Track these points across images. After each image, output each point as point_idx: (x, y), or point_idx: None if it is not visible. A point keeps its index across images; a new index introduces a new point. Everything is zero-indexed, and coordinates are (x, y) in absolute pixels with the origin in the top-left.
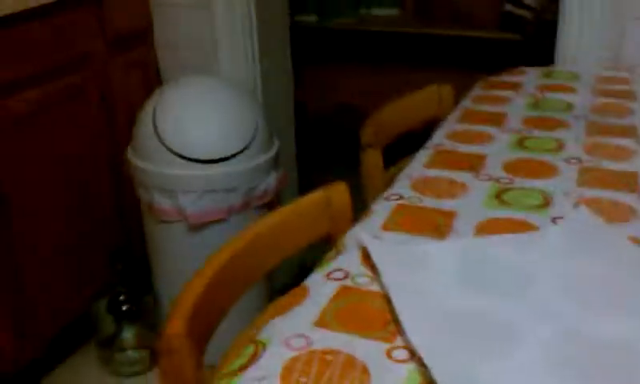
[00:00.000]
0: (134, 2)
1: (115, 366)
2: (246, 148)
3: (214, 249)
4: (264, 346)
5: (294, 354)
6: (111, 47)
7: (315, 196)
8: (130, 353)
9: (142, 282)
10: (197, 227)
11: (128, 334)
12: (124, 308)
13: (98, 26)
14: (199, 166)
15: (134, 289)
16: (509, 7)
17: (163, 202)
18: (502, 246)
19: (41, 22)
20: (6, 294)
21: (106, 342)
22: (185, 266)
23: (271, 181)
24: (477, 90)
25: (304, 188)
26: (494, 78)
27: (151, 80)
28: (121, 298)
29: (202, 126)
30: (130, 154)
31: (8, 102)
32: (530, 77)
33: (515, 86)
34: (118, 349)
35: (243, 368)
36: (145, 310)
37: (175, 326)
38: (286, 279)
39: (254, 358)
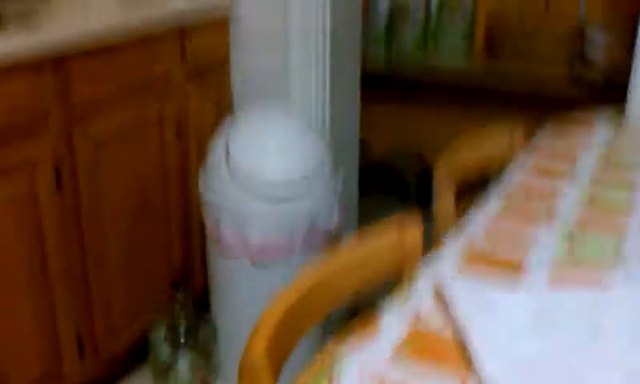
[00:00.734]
0: (215, 31)
1: None
2: (311, 184)
3: (275, 284)
4: (338, 378)
5: None
6: (190, 75)
7: (390, 234)
8: (185, 381)
9: (201, 311)
10: (260, 262)
11: (184, 362)
12: (182, 336)
13: (180, 53)
14: (266, 202)
15: (192, 318)
16: (579, 70)
17: (229, 234)
18: (573, 296)
19: (126, 47)
20: (73, 310)
21: (161, 368)
22: (246, 300)
23: (334, 217)
24: (546, 138)
25: (363, 229)
26: (563, 126)
27: (224, 107)
28: (179, 325)
29: (271, 163)
30: (200, 184)
31: (91, 122)
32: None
33: (585, 134)
34: (173, 377)
35: None
36: (202, 341)
37: (257, 347)
38: (338, 318)
39: None
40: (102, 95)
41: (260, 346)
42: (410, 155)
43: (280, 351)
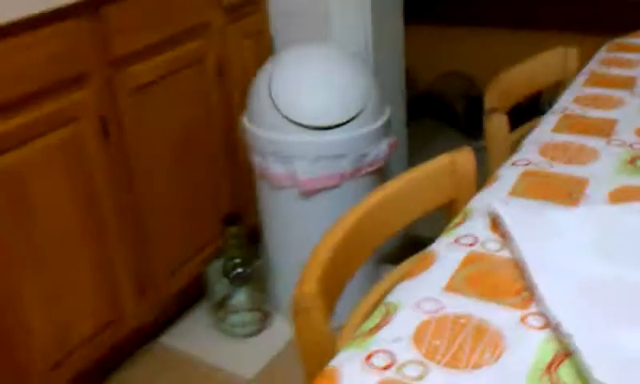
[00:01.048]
0: None
1: (227, 327)
2: (358, 115)
3: (325, 215)
4: (395, 308)
5: (426, 317)
6: (227, 15)
7: (441, 161)
8: (242, 315)
9: (254, 246)
10: (309, 193)
11: (240, 297)
12: (237, 271)
13: None
14: (313, 132)
15: (246, 252)
16: None
17: (277, 168)
18: (637, 214)
19: None
20: (130, 254)
21: (218, 304)
22: (296, 231)
23: (382, 147)
24: (603, 53)
25: (413, 156)
26: (621, 40)
27: (265, 48)
28: (234, 261)
29: (315, 94)
30: (245, 121)
31: (133, 69)
32: None
33: None
34: (230, 311)
35: (375, 329)
36: (257, 274)
37: (309, 286)
38: (391, 248)
39: (385, 320)
40: (141, 41)
41: (311, 287)
42: (458, 80)
43: (332, 287)
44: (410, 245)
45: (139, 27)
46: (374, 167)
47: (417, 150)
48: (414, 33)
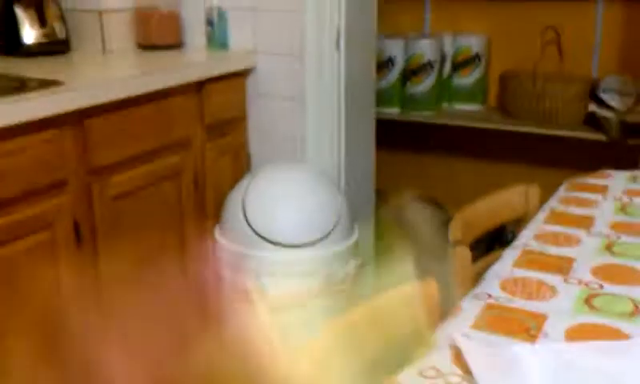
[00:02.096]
0: (231, 91)
1: None
2: (327, 235)
3: (290, 331)
4: None
5: None
6: (208, 133)
7: (406, 290)
8: None
9: None
10: (276, 309)
11: None
12: None
13: (198, 112)
14: (283, 250)
15: None
16: (593, 108)
17: (246, 283)
18: (592, 353)
19: (146, 107)
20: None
21: None
22: None
23: (350, 268)
24: (563, 192)
25: (379, 276)
26: (579, 180)
27: (241, 164)
28: None
29: (287, 213)
30: (217, 234)
31: (111, 179)
32: (617, 181)
33: (601, 189)
34: None
35: None
36: None
37: None
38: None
39: None
40: (122, 153)
41: None
42: (426, 204)
43: None
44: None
45: (121, 139)
46: (342, 286)
47: (384, 270)
48: (386, 158)
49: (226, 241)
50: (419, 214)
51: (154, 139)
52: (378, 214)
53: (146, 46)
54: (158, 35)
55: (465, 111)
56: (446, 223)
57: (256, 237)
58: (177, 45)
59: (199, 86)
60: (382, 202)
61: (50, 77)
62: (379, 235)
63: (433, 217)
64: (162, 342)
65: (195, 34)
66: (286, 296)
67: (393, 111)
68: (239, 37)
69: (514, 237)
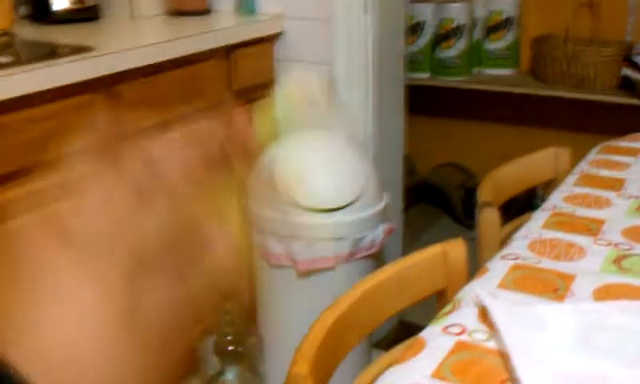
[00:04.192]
0: (259, 57)
1: None
2: (356, 200)
3: (320, 297)
4: None
5: None
6: (236, 98)
7: (433, 250)
8: None
9: (249, 325)
10: (305, 274)
11: (231, 375)
12: (229, 348)
13: (226, 78)
14: (311, 214)
15: (239, 330)
16: (627, 72)
17: (276, 248)
18: (620, 312)
19: (175, 73)
20: None
21: (208, 381)
22: (292, 311)
23: (378, 233)
24: (594, 155)
25: (408, 242)
26: (611, 143)
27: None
28: (227, 338)
29: (316, 178)
30: (247, 199)
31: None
32: None
33: (633, 152)
34: None
35: None
36: (249, 353)
37: (301, 367)
38: (384, 333)
39: None
40: (151, 119)
41: (303, 368)
42: (455, 171)
43: (323, 370)
44: (401, 331)
45: (151, 105)
46: (370, 252)
47: (412, 236)
48: (415, 124)
49: (255, 206)
50: (449, 180)
51: (183, 105)
52: (408, 180)
53: (175, 12)
54: (186, 1)
55: (496, 76)
56: (474, 189)
57: (284, 201)
58: (205, 11)
59: (228, 52)
60: (412, 168)
61: (80, 43)
62: (409, 201)
63: (462, 183)
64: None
65: (223, 0)
66: (315, 261)
67: (423, 76)
68: (267, 1)
69: (543, 202)
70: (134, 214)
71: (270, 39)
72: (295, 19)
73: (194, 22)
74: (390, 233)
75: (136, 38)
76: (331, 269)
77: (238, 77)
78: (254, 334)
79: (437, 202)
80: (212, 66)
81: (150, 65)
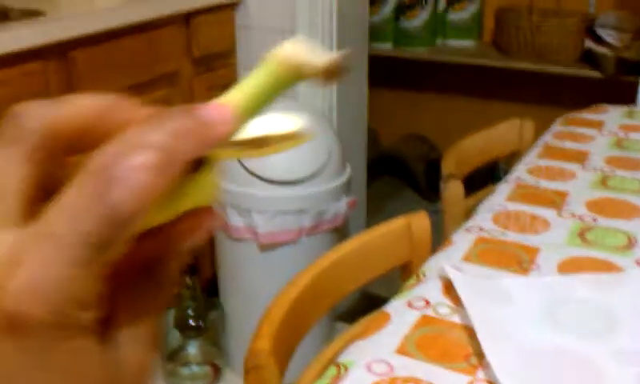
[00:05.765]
0: (219, 24)
1: (178, 380)
2: (318, 172)
3: (282, 270)
4: (346, 368)
5: (376, 378)
6: (197, 67)
7: (397, 223)
8: (194, 367)
9: (210, 299)
10: (267, 247)
11: (193, 349)
12: (190, 322)
13: (186, 45)
14: (273, 187)
15: (200, 304)
16: (589, 44)
17: (237, 221)
18: (585, 286)
19: (133, 39)
20: None
21: (169, 355)
22: (253, 285)
23: (341, 205)
24: (558, 127)
25: (371, 214)
26: (575, 115)
27: None
28: (188, 312)
29: (279, 156)
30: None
31: None
32: (612, 115)
33: (597, 124)
34: (182, 363)
35: None
36: (211, 327)
37: (262, 343)
38: (347, 305)
39: (336, 380)
40: (108, 87)
41: (264, 343)
42: (419, 143)
43: (285, 346)
44: (365, 304)
45: (107, 73)
46: (333, 224)
47: (376, 209)
48: (378, 95)
49: None
50: (412, 152)
51: (141, 73)
52: (371, 152)
53: None
54: None
55: (459, 47)
56: (438, 161)
57: (246, 173)
58: None
59: (187, 18)
60: (375, 140)
61: (31, 7)
62: (372, 173)
63: (426, 155)
64: None
65: None
66: (277, 234)
67: (385, 47)
68: None
69: (506, 174)
70: None
71: (230, 5)
72: None
73: None
74: (353, 205)
75: (90, 3)
76: (294, 242)
77: (199, 44)
78: (215, 308)
79: (400, 174)
80: (171, 32)
81: (105, 30)
